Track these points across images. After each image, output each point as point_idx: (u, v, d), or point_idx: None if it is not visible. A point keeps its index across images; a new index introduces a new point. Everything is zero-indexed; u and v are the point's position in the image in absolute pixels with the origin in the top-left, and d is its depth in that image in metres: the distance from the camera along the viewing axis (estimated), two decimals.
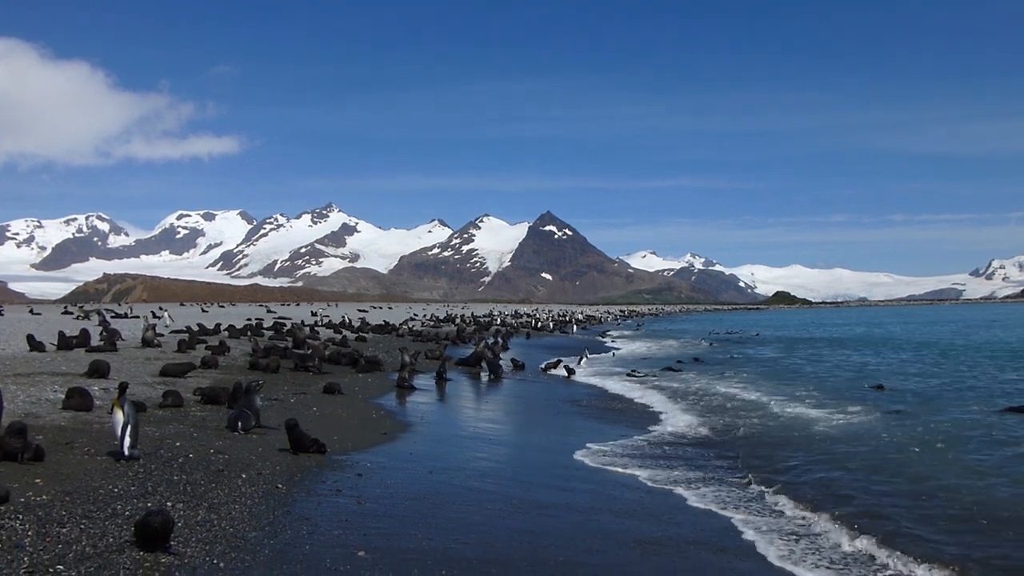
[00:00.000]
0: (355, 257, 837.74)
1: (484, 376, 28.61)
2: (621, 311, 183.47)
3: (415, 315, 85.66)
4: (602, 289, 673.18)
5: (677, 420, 20.37)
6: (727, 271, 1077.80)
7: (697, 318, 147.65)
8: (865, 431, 18.35)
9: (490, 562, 8.91)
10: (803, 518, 11.35)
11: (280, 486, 11.11)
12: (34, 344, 25.41)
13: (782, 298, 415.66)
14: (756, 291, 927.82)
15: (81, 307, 57.79)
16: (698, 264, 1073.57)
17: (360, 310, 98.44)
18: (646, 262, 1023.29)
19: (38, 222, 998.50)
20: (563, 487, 13.00)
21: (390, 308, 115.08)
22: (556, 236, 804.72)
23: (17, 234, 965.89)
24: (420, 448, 14.90)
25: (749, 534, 10.61)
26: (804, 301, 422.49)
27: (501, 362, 30.81)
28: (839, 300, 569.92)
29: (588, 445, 16.46)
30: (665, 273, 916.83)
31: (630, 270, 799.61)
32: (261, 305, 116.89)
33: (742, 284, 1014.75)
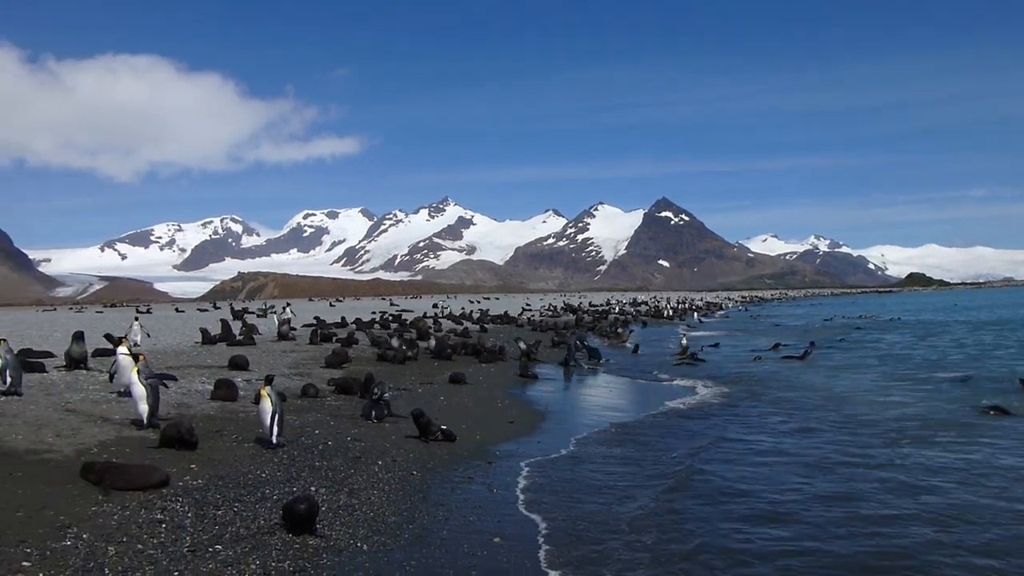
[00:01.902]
0: (472, 249, 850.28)
1: (593, 363, 28.67)
2: (742, 296, 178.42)
3: (528, 304, 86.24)
4: (721, 275, 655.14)
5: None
6: (855, 253, 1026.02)
7: (822, 302, 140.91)
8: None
9: (636, 548, 8.85)
10: None
11: (414, 473, 11.42)
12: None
13: (916, 280, 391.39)
14: (887, 273, 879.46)
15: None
16: (823, 246, 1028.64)
17: (471, 300, 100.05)
18: (767, 246, 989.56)
19: (178, 226, 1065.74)
20: None
21: (497, 299, 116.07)
22: (672, 222, 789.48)
23: (160, 238, 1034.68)
24: (546, 437, 14.97)
25: None
26: (940, 282, 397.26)
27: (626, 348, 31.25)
28: (980, 280, 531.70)
29: None
30: (787, 257, 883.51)
31: (750, 255, 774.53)
32: (384, 298, 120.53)
33: (871, 266, 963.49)
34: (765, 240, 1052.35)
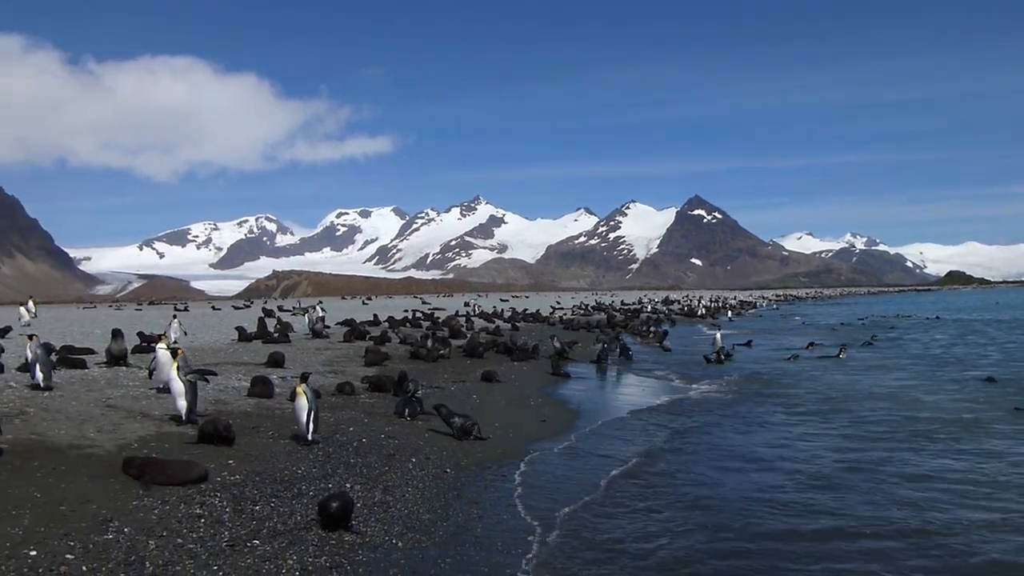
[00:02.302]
0: (503, 248, 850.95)
1: (625, 362, 28.72)
2: (777, 295, 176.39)
3: (559, 303, 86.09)
4: (755, 274, 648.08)
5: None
6: (892, 251, 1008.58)
7: (857, 301, 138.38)
8: None
9: (659, 547, 8.81)
10: None
11: (448, 470, 11.46)
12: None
13: (956, 278, 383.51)
14: (926, 271, 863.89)
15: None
16: (859, 244, 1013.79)
17: (502, 299, 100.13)
18: (802, 244, 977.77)
19: (215, 225, 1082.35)
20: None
21: (527, 297, 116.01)
22: (705, 220, 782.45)
23: (197, 236, 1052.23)
24: (579, 435, 14.92)
25: None
26: (982, 281, 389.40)
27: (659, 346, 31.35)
28: (1023, 279, 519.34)
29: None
30: (823, 255, 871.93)
31: (784, 253, 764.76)
32: (416, 297, 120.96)
33: (909, 264, 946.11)
34: (800, 238, 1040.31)
